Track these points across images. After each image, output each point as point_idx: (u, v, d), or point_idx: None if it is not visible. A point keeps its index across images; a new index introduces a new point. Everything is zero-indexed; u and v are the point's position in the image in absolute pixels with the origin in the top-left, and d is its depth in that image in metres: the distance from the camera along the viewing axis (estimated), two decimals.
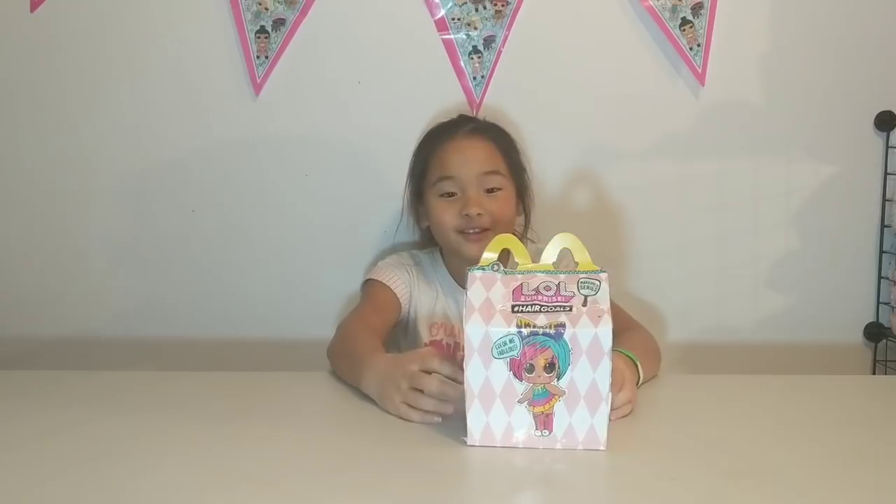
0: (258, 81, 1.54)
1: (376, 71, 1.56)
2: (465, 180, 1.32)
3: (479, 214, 1.30)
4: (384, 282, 1.38)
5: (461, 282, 1.39)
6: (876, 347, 1.68)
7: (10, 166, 1.57)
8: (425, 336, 1.39)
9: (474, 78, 1.56)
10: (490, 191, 1.33)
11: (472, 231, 1.32)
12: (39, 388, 1.14)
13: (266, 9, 1.52)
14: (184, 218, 1.58)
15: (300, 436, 0.96)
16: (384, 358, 1.10)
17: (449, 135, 1.37)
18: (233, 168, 1.58)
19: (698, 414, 1.04)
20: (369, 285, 1.40)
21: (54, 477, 0.83)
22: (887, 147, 1.63)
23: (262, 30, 1.53)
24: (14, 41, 1.53)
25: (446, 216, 1.33)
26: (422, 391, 1.00)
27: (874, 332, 1.66)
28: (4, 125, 1.56)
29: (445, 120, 1.44)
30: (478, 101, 1.56)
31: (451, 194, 1.33)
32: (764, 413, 1.07)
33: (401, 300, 1.37)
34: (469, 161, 1.33)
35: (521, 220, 1.44)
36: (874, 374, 1.67)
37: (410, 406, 1.00)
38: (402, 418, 1.00)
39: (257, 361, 1.61)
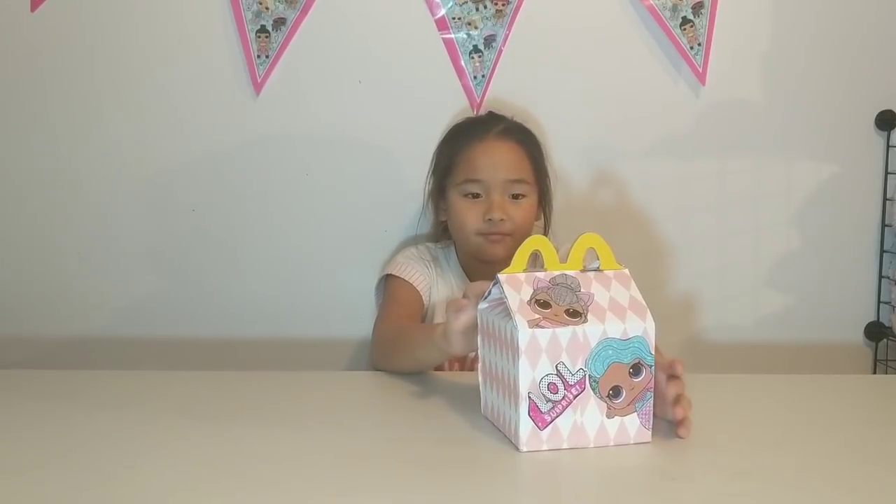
0: (259, 81, 1.54)
1: (377, 70, 1.56)
2: (492, 184, 1.32)
3: (501, 220, 1.31)
4: (405, 278, 1.37)
5: (473, 279, 1.40)
6: (877, 347, 1.68)
7: (10, 166, 1.57)
8: None
9: (475, 77, 1.56)
10: (514, 196, 1.34)
11: (493, 234, 1.32)
12: (40, 387, 1.14)
13: (266, 8, 1.52)
14: (184, 217, 1.58)
15: (303, 436, 0.95)
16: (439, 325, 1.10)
17: (479, 135, 1.36)
18: (233, 167, 1.58)
19: (698, 414, 1.04)
20: (391, 283, 1.39)
21: (55, 477, 0.83)
22: (888, 146, 1.63)
23: (263, 29, 1.52)
24: (14, 41, 1.53)
25: (469, 218, 1.34)
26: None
27: (875, 331, 1.66)
28: (4, 125, 1.56)
29: (473, 116, 1.45)
30: (478, 100, 1.56)
31: (476, 195, 1.34)
32: (764, 413, 1.07)
33: (422, 296, 1.37)
34: (497, 165, 1.33)
35: (539, 223, 1.44)
36: (875, 373, 1.67)
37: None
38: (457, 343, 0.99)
39: (258, 361, 1.61)
